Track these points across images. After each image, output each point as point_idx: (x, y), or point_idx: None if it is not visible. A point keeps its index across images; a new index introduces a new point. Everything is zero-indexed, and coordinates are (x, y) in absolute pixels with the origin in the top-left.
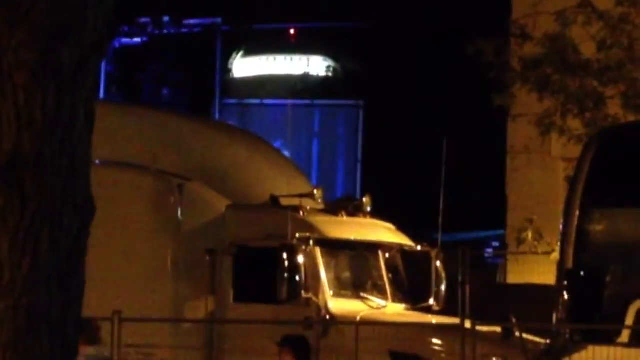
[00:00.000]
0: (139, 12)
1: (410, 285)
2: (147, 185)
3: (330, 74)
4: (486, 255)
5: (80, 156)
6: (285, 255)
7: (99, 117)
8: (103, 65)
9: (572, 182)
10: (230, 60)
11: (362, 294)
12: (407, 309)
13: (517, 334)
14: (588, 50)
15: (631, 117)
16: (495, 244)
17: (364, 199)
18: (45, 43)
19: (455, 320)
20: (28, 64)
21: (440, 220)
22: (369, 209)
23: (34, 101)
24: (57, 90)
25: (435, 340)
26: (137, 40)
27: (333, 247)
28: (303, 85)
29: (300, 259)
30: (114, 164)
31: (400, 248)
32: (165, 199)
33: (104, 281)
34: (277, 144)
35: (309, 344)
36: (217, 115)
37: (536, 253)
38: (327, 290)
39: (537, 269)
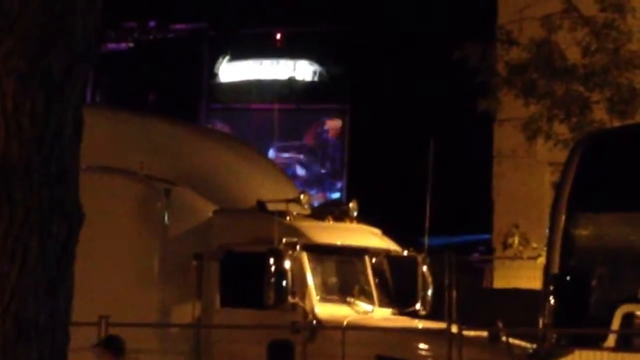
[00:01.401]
0: (126, 17)
1: (397, 290)
2: (134, 190)
3: (316, 79)
4: (473, 259)
5: (69, 163)
6: (271, 260)
7: (85, 122)
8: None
9: (558, 186)
10: (217, 65)
11: (348, 299)
12: (394, 314)
13: (504, 338)
14: (574, 55)
15: (616, 122)
16: (482, 248)
17: (351, 204)
18: (34, 50)
19: (442, 325)
20: (17, 71)
21: (426, 224)
22: (355, 213)
23: (22, 108)
24: (45, 97)
25: (422, 345)
26: (124, 45)
27: (320, 252)
28: (289, 90)
29: (287, 264)
30: (100, 169)
31: (387, 253)
32: (152, 204)
33: (91, 286)
34: (272, 149)
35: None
36: (203, 120)
37: (522, 258)
38: (313, 295)
39: (523, 273)
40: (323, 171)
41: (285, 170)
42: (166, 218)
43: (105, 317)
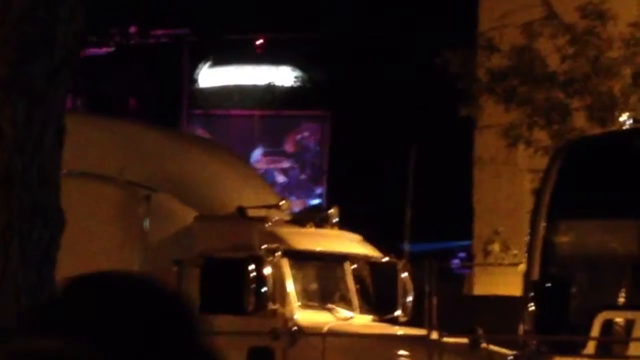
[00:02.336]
0: (106, 22)
1: (377, 296)
2: (114, 196)
3: (297, 85)
4: (453, 266)
5: (50, 169)
6: (252, 267)
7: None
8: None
9: (538, 193)
10: (197, 71)
11: (329, 305)
12: (374, 320)
13: (484, 345)
14: (554, 62)
15: (597, 129)
16: (462, 254)
17: (331, 210)
18: (16, 57)
19: (422, 332)
20: None
21: (407, 231)
22: (335, 220)
23: (4, 115)
24: (27, 104)
25: (402, 352)
26: (104, 50)
27: (300, 258)
28: (270, 96)
29: (267, 270)
30: (80, 174)
31: (367, 259)
32: (132, 210)
33: None
34: (255, 154)
35: None
36: (184, 126)
37: (503, 265)
38: (294, 302)
39: (503, 280)
40: (303, 177)
41: (265, 177)
42: (146, 224)
43: None
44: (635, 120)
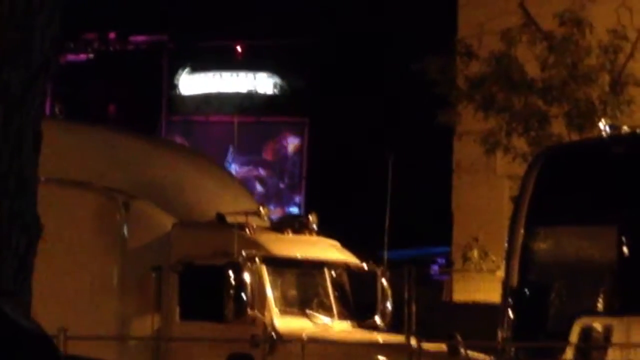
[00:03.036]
0: (85, 28)
1: (356, 302)
2: (92, 202)
3: (276, 91)
4: (432, 272)
5: (28, 176)
6: (231, 273)
7: (45, 134)
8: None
9: (516, 200)
10: (177, 77)
11: (308, 312)
12: (353, 327)
13: (463, 351)
14: (532, 69)
15: (575, 136)
16: (442, 261)
17: (310, 217)
18: None
19: (401, 338)
20: None
21: (386, 237)
22: (314, 226)
23: None
24: (4, 110)
25: (380, 358)
26: (83, 56)
27: (279, 264)
28: (249, 103)
29: (246, 276)
30: (59, 181)
31: (346, 266)
32: (111, 216)
33: (50, 298)
34: (231, 163)
35: None
36: (163, 132)
37: (481, 271)
38: (273, 308)
39: (482, 286)
40: (282, 186)
41: (245, 184)
42: (125, 231)
43: (63, 330)
44: (613, 127)
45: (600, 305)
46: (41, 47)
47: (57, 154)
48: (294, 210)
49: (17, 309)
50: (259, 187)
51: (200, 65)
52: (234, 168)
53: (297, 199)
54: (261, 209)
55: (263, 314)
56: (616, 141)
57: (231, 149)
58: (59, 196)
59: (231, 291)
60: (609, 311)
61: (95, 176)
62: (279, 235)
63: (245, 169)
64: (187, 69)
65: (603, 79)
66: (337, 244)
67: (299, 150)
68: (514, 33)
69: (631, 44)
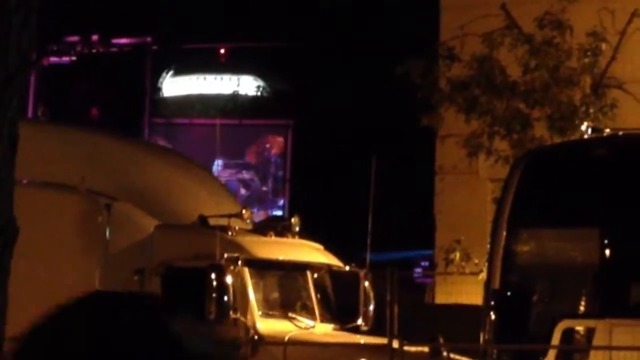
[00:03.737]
0: (68, 31)
1: (339, 305)
2: (74, 205)
3: (260, 94)
4: (415, 275)
5: (4, 177)
6: (213, 276)
7: (26, 136)
8: (32, 83)
9: (499, 202)
10: (160, 80)
11: (290, 314)
12: (336, 329)
13: (445, 354)
14: (514, 72)
15: (557, 139)
16: (425, 263)
17: (293, 219)
18: None
19: (383, 340)
20: None
21: (369, 240)
22: (297, 229)
23: None
24: None
25: None
26: (66, 59)
27: (261, 267)
28: (233, 105)
29: (229, 279)
30: (41, 184)
31: (329, 268)
32: (93, 219)
33: (30, 301)
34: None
35: None
36: (146, 135)
37: (464, 273)
38: (255, 311)
39: (465, 289)
40: (265, 189)
41: (227, 187)
42: (107, 233)
43: None
44: (594, 130)
45: (582, 308)
46: (18, 48)
47: (39, 156)
48: (278, 213)
49: (192, 329)
50: (242, 190)
51: (183, 67)
52: (217, 171)
53: (281, 201)
54: (244, 211)
55: (245, 317)
56: (598, 143)
57: (219, 162)
58: (40, 199)
59: (213, 294)
60: (591, 313)
61: (77, 179)
62: (262, 238)
63: (228, 172)
64: (170, 72)
65: (585, 82)
66: (319, 246)
67: (282, 152)
68: (495, 36)
69: (612, 47)
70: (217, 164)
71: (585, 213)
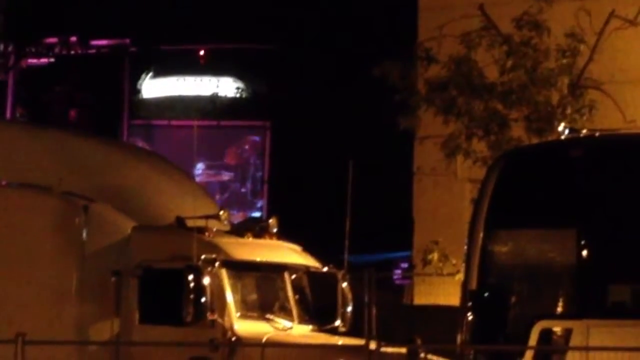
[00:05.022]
0: (46, 32)
1: (317, 306)
2: (51, 206)
3: (239, 95)
4: (395, 277)
5: None
6: (190, 277)
7: (4, 138)
8: (10, 85)
9: (476, 203)
10: (139, 81)
11: (268, 316)
12: (313, 330)
13: (422, 355)
14: (492, 73)
15: (534, 140)
16: (405, 265)
17: (270, 221)
18: None
19: (361, 342)
20: None
21: (346, 241)
22: (275, 230)
23: None
24: None
25: None
26: (44, 60)
27: (239, 268)
28: (212, 106)
29: (206, 280)
30: (17, 185)
31: (307, 269)
32: (70, 220)
33: (7, 303)
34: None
35: None
36: (124, 136)
37: (441, 274)
38: (233, 312)
39: (443, 290)
40: (244, 190)
41: (206, 189)
42: (84, 234)
43: (22, 335)
44: (572, 130)
45: (559, 309)
46: None
47: (16, 157)
48: (257, 214)
49: None
50: (221, 191)
51: (162, 69)
52: (198, 172)
53: (260, 203)
54: (221, 212)
55: (223, 318)
56: (575, 144)
57: (199, 164)
58: (18, 200)
59: (191, 295)
60: (568, 314)
61: (54, 180)
62: (239, 239)
63: (208, 173)
64: (150, 73)
65: (562, 83)
66: (297, 247)
67: (260, 153)
68: (473, 37)
69: (590, 47)
70: (197, 167)
71: (562, 214)
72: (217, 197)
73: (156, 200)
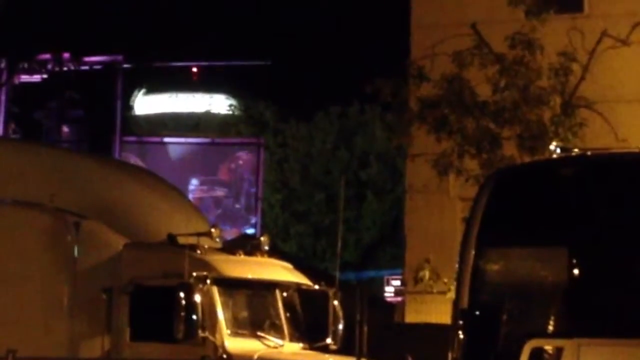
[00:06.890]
0: (39, 49)
1: (308, 324)
2: (43, 223)
3: (232, 112)
4: (386, 295)
5: None
6: (182, 294)
7: None
8: (3, 101)
9: (467, 221)
10: (132, 98)
11: (259, 333)
12: (304, 348)
13: None
14: (484, 91)
15: (526, 158)
16: (397, 283)
17: (262, 238)
18: None
19: (352, 359)
20: None
21: (337, 259)
22: (266, 248)
23: None
24: None
25: None
26: (37, 76)
27: (230, 286)
28: (205, 123)
29: (197, 297)
30: (10, 201)
31: (298, 287)
32: (62, 237)
33: None
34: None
35: None
36: (117, 153)
37: (432, 292)
38: (224, 329)
39: (434, 308)
40: (238, 206)
41: (199, 206)
42: (76, 251)
43: (12, 351)
44: (563, 149)
45: (550, 327)
46: None
47: (8, 174)
48: (250, 230)
49: None
50: (214, 208)
51: (156, 86)
52: (188, 189)
53: (253, 219)
54: (213, 230)
55: (214, 335)
56: (567, 163)
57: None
58: (9, 216)
59: (182, 312)
60: (560, 333)
61: (46, 196)
62: (230, 257)
63: (201, 189)
64: (143, 90)
65: (554, 101)
66: (288, 265)
67: (254, 170)
68: (465, 55)
69: (582, 66)
70: (191, 182)
71: (553, 233)
72: (211, 213)
73: (148, 217)
